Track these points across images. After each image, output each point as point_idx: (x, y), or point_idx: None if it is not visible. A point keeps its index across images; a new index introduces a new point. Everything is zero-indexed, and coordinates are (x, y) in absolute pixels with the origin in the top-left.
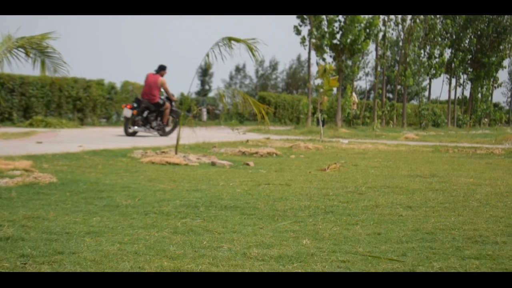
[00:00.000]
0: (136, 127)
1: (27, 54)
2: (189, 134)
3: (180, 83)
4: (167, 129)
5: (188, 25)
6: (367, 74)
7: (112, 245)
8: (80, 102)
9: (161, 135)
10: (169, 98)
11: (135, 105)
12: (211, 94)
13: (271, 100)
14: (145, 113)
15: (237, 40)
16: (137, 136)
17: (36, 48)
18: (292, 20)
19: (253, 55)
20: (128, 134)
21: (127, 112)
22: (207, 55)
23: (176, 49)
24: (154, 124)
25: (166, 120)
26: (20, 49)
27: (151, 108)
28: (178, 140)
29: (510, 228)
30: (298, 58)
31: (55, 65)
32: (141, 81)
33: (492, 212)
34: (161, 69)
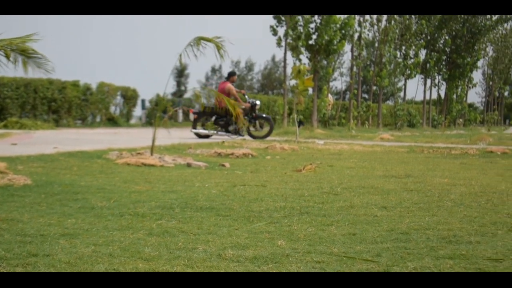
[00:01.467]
0: (206, 131)
1: (7, 56)
2: (165, 135)
3: (156, 84)
4: (242, 131)
5: (165, 25)
6: (342, 75)
7: (87, 247)
8: (55, 103)
9: (242, 136)
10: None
11: (196, 110)
12: (187, 95)
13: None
14: (213, 118)
15: (207, 40)
16: (113, 137)
17: (16, 50)
18: (268, 20)
19: (220, 54)
20: (200, 135)
21: (191, 116)
22: (180, 56)
23: (153, 49)
24: (231, 128)
25: (240, 124)
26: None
27: (219, 113)
28: (153, 141)
29: (484, 228)
30: (273, 59)
31: (39, 64)
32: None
33: (466, 212)
34: (230, 76)
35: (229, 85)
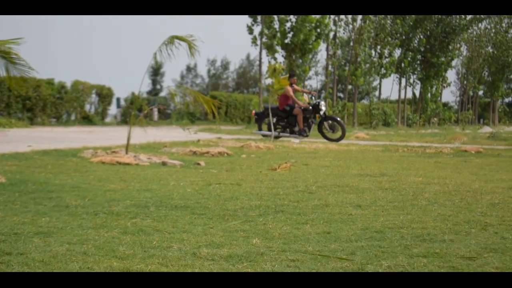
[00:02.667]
0: (271, 132)
1: None
2: (140, 134)
3: (131, 83)
4: (306, 133)
5: (140, 24)
6: (317, 74)
7: (61, 246)
8: (29, 101)
9: (304, 137)
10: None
11: (256, 110)
12: (162, 94)
13: (223, 99)
14: (274, 119)
15: (180, 38)
16: (88, 136)
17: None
18: (244, 19)
19: (191, 53)
20: (267, 137)
21: (253, 117)
22: (155, 54)
23: (128, 47)
24: (296, 128)
25: (301, 125)
26: None
27: (279, 114)
28: (128, 139)
29: (458, 226)
30: (248, 57)
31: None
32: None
33: (440, 210)
34: (289, 77)
35: (286, 87)
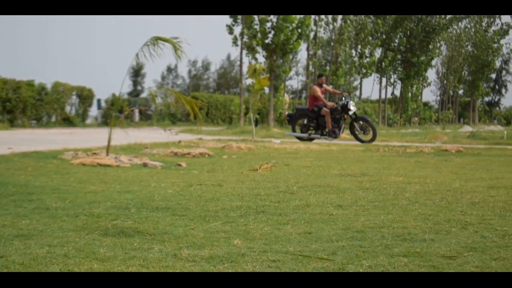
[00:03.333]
0: (305, 134)
1: None
2: (121, 135)
3: (112, 84)
4: (337, 133)
5: (121, 24)
6: (298, 74)
7: (41, 248)
8: (9, 103)
9: (334, 138)
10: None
11: (288, 112)
12: (143, 95)
13: (204, 100)
14: (305, 121)
15: (164, 40)
16: (68, 138)
17: None
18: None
19: (178, 55)
20: (302, 139)
21: (287, 119)
22: (137, 55)
23: (108, 48)
24: (326, 130)
25: (330, 125)
26: None
27: (309, 115)
28: (109, 141)
29: (438, 225)
30: (228, 58)
31: None
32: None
33: (421, 210)
34: (318, 77)
35: (313, 87)
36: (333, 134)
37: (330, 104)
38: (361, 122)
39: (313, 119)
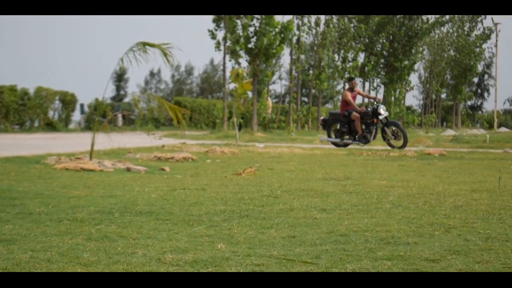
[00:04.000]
0: (338, 139)
1: None
2: (104, 140)
3: (95, 88)
4: (369, 137)
5: (103, 29)
6: (281, 78)
7: (25, 253)
8: None
9: (364, 143)
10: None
11: (323, 117)
12: (126, 100)
13: (187, 105)
14: (338, 126)
15: (152, 45)
16: (51, 142)
17: None
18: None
19: (168, 60)
20: (338, 145)
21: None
22: (121, 60)
23: (91, 53)
24: (358, 135)
25: (360, 130)
26: None
27: (342, 120)
28: (92, 146)
29: (422, 229)
30: (211, 62)
31: None
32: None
33: (404, 213)
34: (348, 81)
35: (344, 92)
36: (363, 139)
37: (360, 108)
38: (392, 128)
39: (345, 124)
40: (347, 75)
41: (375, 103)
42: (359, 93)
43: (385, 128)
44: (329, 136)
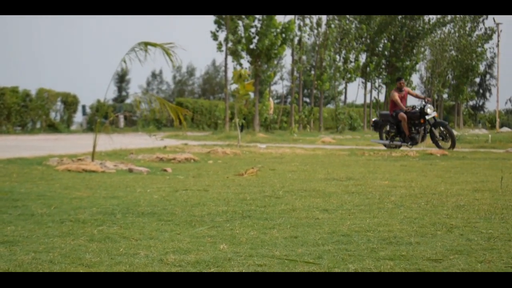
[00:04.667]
0: (388, 141)
1: None
2: (106, 141)
3: (97, 90)
4: (416, 138)
5: (105, 30)
6: (283, 79)
7: (27, 254)
8: None
9: (412, 145)
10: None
11: (374, 119)
12: (128, 101)
13: (189, 106)
14: (388, 127)
15: (154, 45)
16: (53, 144)
17: None
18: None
19: (171, 60)
20: (390, 147)
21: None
22: (123, 61)
23: (93, 54)
24: (406, 136)
25: (407, 131)
26: None
27: (391, 120)
28: (94, 147)
29: (424, 229)
30: (213, 63)
31: None
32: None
33: (406, 213)
34: (396, 81)
35: (392, 92)
36: (410, 140)
37: (407, 108)
38: (441, 128)
39: (394, 125)
40: (348, 76)
41: (423, 102)
42: (409, 93)
43: (433, 128)
44: (381, 138)
